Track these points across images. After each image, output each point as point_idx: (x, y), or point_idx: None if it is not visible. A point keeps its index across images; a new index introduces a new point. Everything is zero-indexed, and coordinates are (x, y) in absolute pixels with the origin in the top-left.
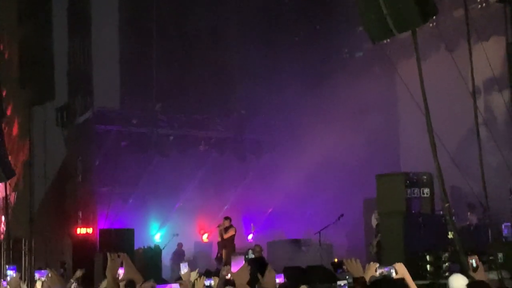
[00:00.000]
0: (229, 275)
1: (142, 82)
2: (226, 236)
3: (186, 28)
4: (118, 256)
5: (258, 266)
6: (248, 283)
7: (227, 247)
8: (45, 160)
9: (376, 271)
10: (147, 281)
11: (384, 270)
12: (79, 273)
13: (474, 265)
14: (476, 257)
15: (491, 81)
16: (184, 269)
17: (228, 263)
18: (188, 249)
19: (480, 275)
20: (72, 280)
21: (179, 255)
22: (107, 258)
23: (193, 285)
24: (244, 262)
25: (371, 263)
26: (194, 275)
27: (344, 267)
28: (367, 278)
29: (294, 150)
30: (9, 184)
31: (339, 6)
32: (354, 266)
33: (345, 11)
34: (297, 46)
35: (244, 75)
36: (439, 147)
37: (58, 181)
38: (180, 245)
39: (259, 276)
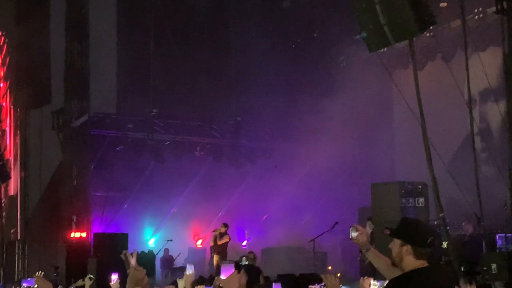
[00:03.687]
0: None
1: (138, 87)
2: (220, 242)
3: (184, 34)
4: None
5: (250, 273)
6: None
7: (220, 253)
8: (40, 163)
9: (369, 286)
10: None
11: (378, 285)
12: (80, 283)
13: None
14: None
15: (487, 92)
16: (189, 270)
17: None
18: (182, 254)
19: None
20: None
21: (168, 261)
22: (100, 262)
23: None
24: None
25: (365, 277)
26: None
27: (323, 283)
28: None
29: (290, 158)
30: (3, 187)
31: (336, 15)
32: (332, 282)
33: (343, 19)
34: (294, 53)
35: (240, 82)
36: (434, 156)
37: (53, 185)
38: (166, 250)
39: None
